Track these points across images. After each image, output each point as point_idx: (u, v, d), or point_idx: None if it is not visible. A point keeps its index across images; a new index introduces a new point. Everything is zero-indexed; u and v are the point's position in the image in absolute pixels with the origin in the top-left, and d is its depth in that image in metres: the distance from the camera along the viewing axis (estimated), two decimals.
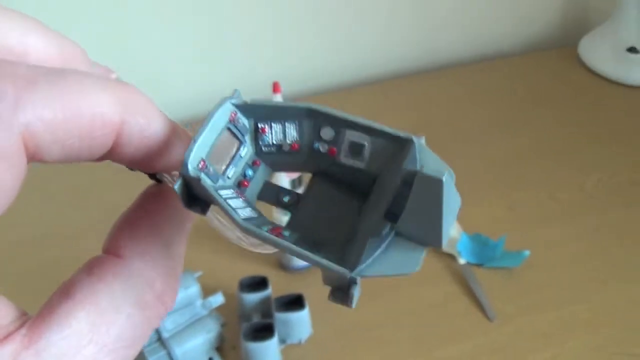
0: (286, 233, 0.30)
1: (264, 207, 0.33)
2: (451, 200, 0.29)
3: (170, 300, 0.30)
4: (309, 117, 0.34)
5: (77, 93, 0.25)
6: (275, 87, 1.03)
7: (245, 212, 0.30)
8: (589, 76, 1.47)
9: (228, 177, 0.32)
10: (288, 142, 0.34)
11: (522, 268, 0.96)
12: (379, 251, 0.29)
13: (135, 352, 0.28)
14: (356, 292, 0.28)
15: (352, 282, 0.28)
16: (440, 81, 1.53)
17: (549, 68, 1.54)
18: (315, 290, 0.90)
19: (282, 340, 0.85)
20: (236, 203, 0.30)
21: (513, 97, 1.44)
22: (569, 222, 1.07)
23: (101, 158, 0.28)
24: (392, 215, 0.29)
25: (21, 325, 0.25)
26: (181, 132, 0.31)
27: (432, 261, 0.99)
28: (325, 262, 0.27)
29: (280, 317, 0.83)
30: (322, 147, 0.34)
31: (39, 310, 0.26)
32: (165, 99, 1.42)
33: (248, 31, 1.45)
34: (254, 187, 0.34)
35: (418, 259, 0.28)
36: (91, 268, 0.28)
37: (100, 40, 1.34)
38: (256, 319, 0.85)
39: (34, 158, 0.25)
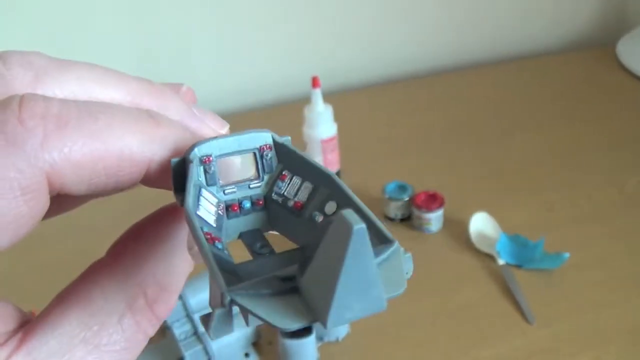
0: (219, 246, 0.28)
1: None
2: (365, 268, 0.23)
3: (163, 312, 0.29)
4: (326, 185, 0.32)
5: (106, 133, 0.26)
6: (315, 82, 1.02)
7: (209, 220, 0.29)
8: (627, 77, 1.45)
9: (224, 193, 0.32)
10: (296, 199, 0.32)
11: (561, 270, 0.95)
12: (268, 291, 0.24)
13: (132, 357, 0.28)
14: (219, 319, 0.25)
15: (225, 300, 0.24)
16: (474, 79, 1.52)
17: (586, 68, 1.52)
18: None
19: (320, 338, 0.84)
20: (208, 210, 0.30)
21: (550, 96, 1.43)
22: (608, 224, 1.05)
23: (132, 187, 0.29)
24: (301, 270, 0.25)
25: (20, 330, 0.26)
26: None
27: (472, 262, 0.98)
28: (215, 268, 0.25)
29: None
30: (319, 219, 0.31)
31: (38, 314, 0.27)
32: (207, 91, 1.43)
33: (287, 26, 1.45)
34: (241, 222, 0.32)
35: (292, 323, 0.23)
36: (89, 271, 0.29)
37: (160, 32, 1.34)
38: None
39: (60, 192, 0.26)
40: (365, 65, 1.55)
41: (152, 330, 0.29)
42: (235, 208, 0.32)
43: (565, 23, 1.66)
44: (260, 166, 0.32)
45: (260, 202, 0.32)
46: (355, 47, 1.53)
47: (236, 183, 0.32)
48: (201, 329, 0.80)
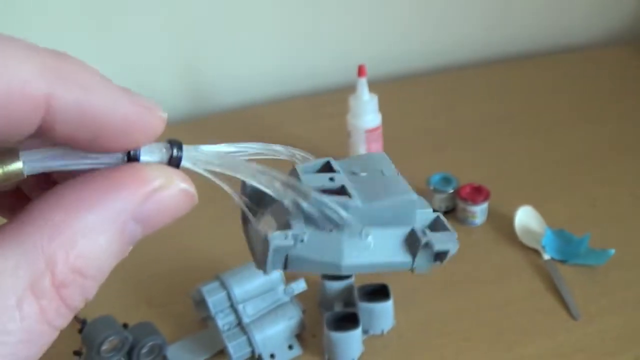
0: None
1: None
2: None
3: (74, 300, 0.24)
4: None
5: None
6: (361, 71, 1.01)
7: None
8: None
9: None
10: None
11: (606, 266, 0.93)
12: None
13: (32, 354, 0.23)
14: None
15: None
16: (520, 71, 1.51)
17: (632, 61, 1.50)
18: (397, 280, 0.89)
19: (365, 331, 0.83)
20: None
21: (595, 91, 1.41)
22: None
23: (36, 136, 0.25)
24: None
25: None
26: (143, 103, 0.27)
27: (517, 256, 0.97)
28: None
29: (365, 307, 0.82)
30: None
31: None
32: (251, 77, 1.42)
33: (336, 16, 1.44)
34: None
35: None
36: None
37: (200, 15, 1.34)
38: (338, 307, 0.84)
39: None
40: (408, 56, 1.54)
41: (60, 322, 0.24)
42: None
43: (607, 15, 1.64)
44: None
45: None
46: (399, 36, 1.52)
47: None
48: (246, 319, 0.80)
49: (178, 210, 0.28)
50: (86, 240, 0.24)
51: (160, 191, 0.27)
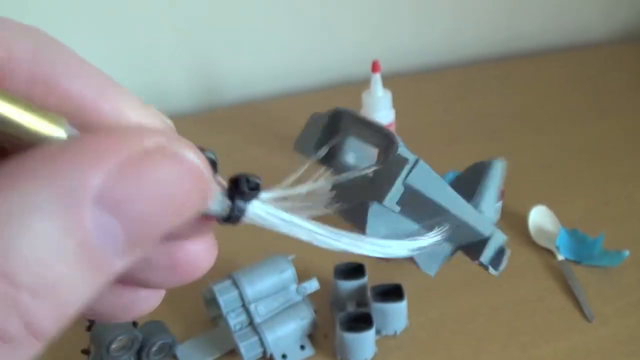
0: None
1: None
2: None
3: (6, 325, 0.16)
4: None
5: None
6: (375, 66, 1.01)
7: None
8: None
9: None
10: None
11: (620, 267, 0.92)
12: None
13: None
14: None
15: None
16: (535, 67, 1.50)
17: None
18: (411, 280, 0.88)
19: (378, 331, 0.82)
20: None
21: (608, 88, 1.40)
22: None
23: None
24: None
25: None
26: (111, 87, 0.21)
27: (530, 256, 0.96)
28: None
29: (378, 308, 0.81)
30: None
31: None
32: (264, 72, 1.42)
33: (350, 10, 1.43)
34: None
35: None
36: None
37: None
38: (350, 307, 0.83)
39: None
40: (422, 50, 1.53)
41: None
42: None
43: (623, 11, 1.63)
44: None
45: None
46: (413, 31, 1.51)
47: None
48: (257, 319, 0.79)
49: (179, 196, 0.19)
50: (15, 227, 0.16)
51: (147, 160, 0.18)
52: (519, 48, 1.59)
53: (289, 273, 0.82)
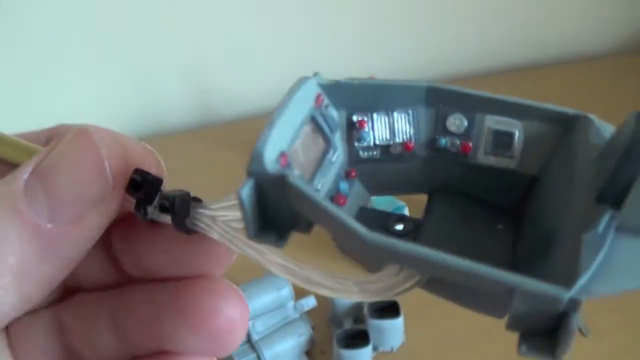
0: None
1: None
2: None
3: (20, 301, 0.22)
4: (429, 102, 0.24)
5: None
6: None
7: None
8: None
9: (317, 190, 0.24)
10: (398, 140, 0.24)
11: None
12: (601, 254, 0.20)
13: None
14: (574, 324, 0.19)
15: (571, 308, 0.19)
16: (551, 77, 1.51)
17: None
18: (408, 296, 0.88)
19: (375, 348, 0.83)
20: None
21: (628, 97, 1.40)
22: None
23: None
24: (613, 202, 0.20)
25: None
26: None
27: None
28: (518, 279, 0.18)
29: (374, 324, 0.81)
30: (451, 144, 0.24)
31: None
32: (265, 89, 1.42)
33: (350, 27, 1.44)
34: (352, 207, 0.25)
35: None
36: None
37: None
38: (348, 324, 0.83)
39: None
40: (422, 65, 1.54)
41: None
42: (342, 200, 0.24)
43: (616, 26, 1.64)
44: (324, 128, 0.24)
45: (353, 173, 0.25)
46: (410, 47, 1.51)
47: (315, 168, 0.24)
48: (255, 336, 0.80)
49: (82, 171, 0.24)
50: None
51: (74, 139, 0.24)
52: (519, 62, 1.59)
53: (287, 290, 0.82)
